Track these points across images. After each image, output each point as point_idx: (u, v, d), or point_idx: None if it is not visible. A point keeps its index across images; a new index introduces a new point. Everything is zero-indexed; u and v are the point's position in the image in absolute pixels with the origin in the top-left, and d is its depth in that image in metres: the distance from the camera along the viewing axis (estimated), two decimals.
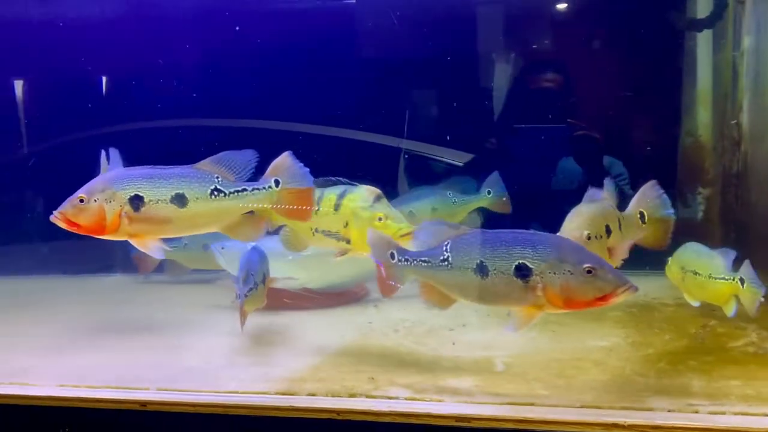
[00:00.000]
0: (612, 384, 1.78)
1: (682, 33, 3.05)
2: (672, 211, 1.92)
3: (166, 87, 3.31)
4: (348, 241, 1.95)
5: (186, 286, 3.16)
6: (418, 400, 1.69)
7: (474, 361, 2.02)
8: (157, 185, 1.72)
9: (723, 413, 1.57)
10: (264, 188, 1.81)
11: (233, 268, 2.49)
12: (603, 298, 1.48)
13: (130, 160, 1.94)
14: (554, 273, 1.50)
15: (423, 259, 1.70)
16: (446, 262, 1.65)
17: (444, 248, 1.66)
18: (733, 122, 2.91)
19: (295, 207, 1.81)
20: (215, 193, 1.76)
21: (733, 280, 1.91)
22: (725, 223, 2.99)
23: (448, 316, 2.50)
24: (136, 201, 1.71)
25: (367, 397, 1.72)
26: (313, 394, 1.74)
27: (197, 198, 1.74)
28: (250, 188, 1.80)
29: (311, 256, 2.41)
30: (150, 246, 1.76)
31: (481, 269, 1.58)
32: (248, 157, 1.82)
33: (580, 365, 1.92)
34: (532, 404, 1.65)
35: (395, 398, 1.70)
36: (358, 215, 1.90)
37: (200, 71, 3.38)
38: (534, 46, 3.38)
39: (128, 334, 2.46)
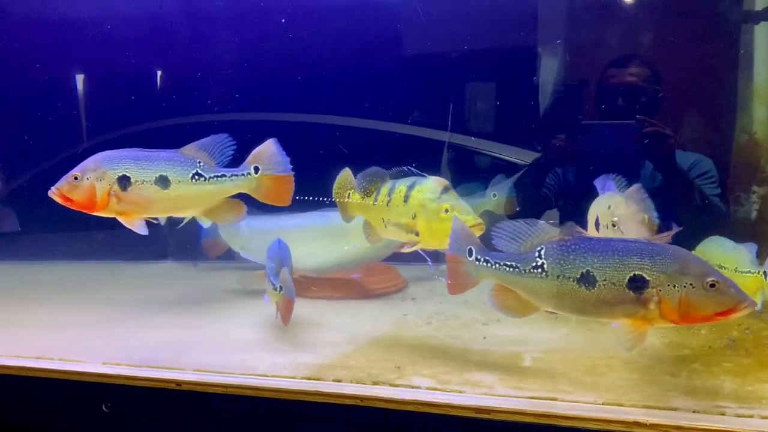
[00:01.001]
0: (640, 383, 1.75)
1: (738, 26, 2.94)
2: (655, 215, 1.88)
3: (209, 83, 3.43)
4: (417, 233, 1.96)
5: (233, 272, 3.25)
6: (440, 390, 1.71)
7: (502, 355, 2.02)
8: (143, 167, 1.80)
9: (751, 416, 1.53)
10: (243, 174, 1.87)
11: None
12: (723, 313, 1.41)
13: None
14: (674, 286, 1.42)
15: (509, 263, 1.60)
16: (540, 270, 1.55)
17: (537, 254, 1.56)
18: None
19: (273, 194, 1.87)
20: (196, 177, 1.83)
21: (759, 273, 1.86)
22: None
23: (484, 311, 2.50)
24: (124, 181, 1.79)
25: (391, 385, 1.75)
26: (339, 381, 1.78)
27: (179, 181, 1.82)
28: (229, 174, 1.86)
29: (293, 235, 2.44)
30: (136, 225, 1.85)
31: (587, 279, 1.49)
32: (228, 143, 1.89)
33: (610, 363, 1.90)
34: (553, 399, 1.64)
35: (417, 387, 1.73)
36: (425, 207, 1.89)
37: (242, 66, 3.47)
38: (588, 41, 3.33)
39: (169, 316, 2.59)
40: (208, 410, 1.80)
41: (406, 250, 1.97)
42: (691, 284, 1.40)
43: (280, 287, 2.15)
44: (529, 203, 2.97)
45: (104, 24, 3.46)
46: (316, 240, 2.65)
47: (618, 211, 1.69)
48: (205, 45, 3.51)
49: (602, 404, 1.61)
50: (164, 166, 1.81)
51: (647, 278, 1.43)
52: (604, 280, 1.46)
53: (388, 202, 1.96)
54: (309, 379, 1.80)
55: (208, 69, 3.45)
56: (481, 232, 1.80)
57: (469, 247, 1.68)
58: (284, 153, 1.90)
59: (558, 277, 1.52)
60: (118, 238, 3.10)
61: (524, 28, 3.35)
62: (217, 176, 1.86)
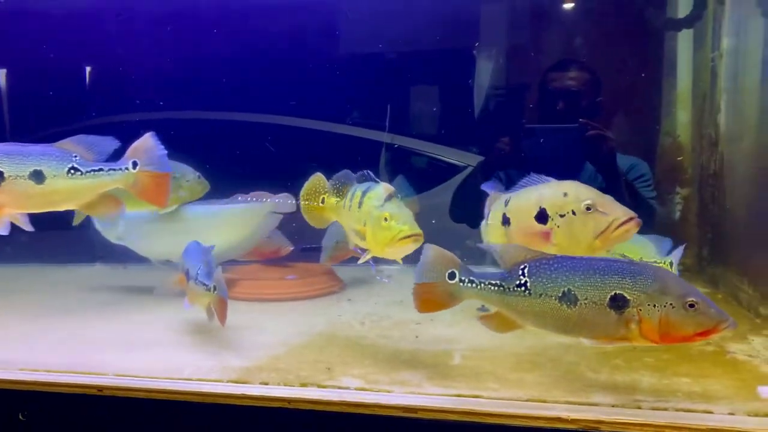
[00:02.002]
0: (563, 380, 1.79)
1: (662, 32, 3.05)
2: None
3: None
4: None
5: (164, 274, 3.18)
6: (368, 390, 1.71)
7: (432, 354, 2.04)
8: (16, 161, 1.77)
9: (665, 409, 1.58)
10: (121, 169, 1.84)
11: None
12: (702, 333, 1.42)
13: None
14: (654, 305, 1.42)
15: (493, 282, 1.59)
16: (523, 288, 1.55)
17: (520, 272, 1.55)
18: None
19: (149, 190, 1.84)
20: (72, 171, 1.80)
21: (664, 263, 1.92)
22: (702, 222, 3.00)
23: (417, 312, 2.52)
24: None
25: (319, 386, 1.74)
26: (266, 383, 1.76)
27: (54, 175, 1.79)
28: (106, 168, 1.83)
29: (144, 222, 2.40)
30: (15, 220, 1.84)
31: (568, 298, 1.49)
32: (109, 140, 1.87)
33: (535, 360, 1.93)
34: (479, 396, 1.67)
35: (346, 388, 1.73)
36: (370, 214, 1.86)
37: (186, 66, 3.41)
38: (522, 46, 3.40)
39: (88, 319, 2.52)
40: (131, 416, 1.76)
41: (363, 259, 1.95)
42: (671, 304, 1.41)
43: (214, 287, 2.09)
44: (471, 207, 3.01)
45: (24, 19, 3.34)
46: (189, 231, 2.57)
47: (583, 195, 1.58)
48: (131, 43, 3.43)
49: (526, 401, 1.64)
50: (38, 160, 1.77)
51: (628, 297, 1.43)
52: (585, 298, 1.47)
53: (350, 207, 1.95)
54: (236, 382, 1.77)
55: (134, 67, 3.37)
56: (419, 244, 1.78)
57: (450, 271, 1.65)
58: (163, 148, 1.85)
59: (540, 295, 1.52)
60: (43, 241, 2.99)
61: (463, 31, 3.40)
62: (94, 170, 1.82)
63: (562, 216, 1.57)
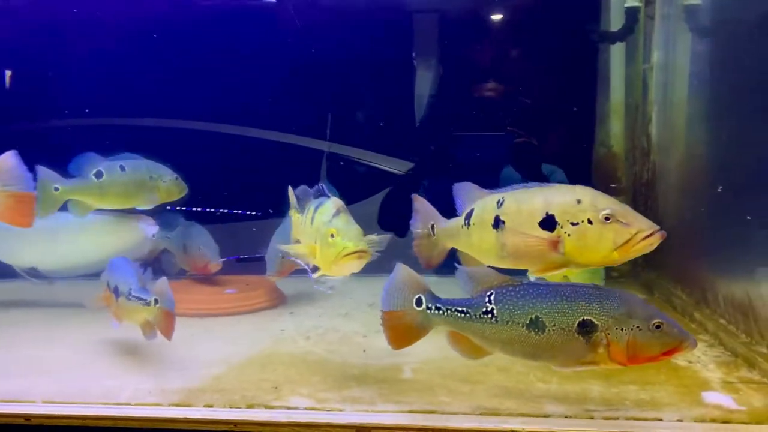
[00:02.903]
0: (514, 390, 1.78)
1: (596, 46, 3.13)
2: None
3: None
4: None
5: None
6: (319, 409, 1.65)
7: (382, 368, 1.99)
8: None
9: (616, 419, 1.59)
10: None
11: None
12: (668, 353, 1.43)
13: None
14: (621, 329, 1.42)
15: (459, 309, 1.56)
16: (490, 315, 1.52)
17: (487, 299, 1.53)
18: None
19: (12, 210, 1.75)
20: None
21: None
22: None
23: (364, 323, 2.48)
24: None
25: (266, 407, 1.67)
26: (210, 406, 1.68)
27: None
28: None
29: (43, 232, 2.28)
30: None
31: (536, 325, 1.47)
32: None
33: (485, 371, 1.92)
34: (432, 412, 1.64)
35: (295, 408, 1.66)
36: (319, 230, 1.78)
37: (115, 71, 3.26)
38: (459, 56, 3.42)
39: (10, 341, 2.35)
40: None
41: (316, 275, 1.87)
42: (638, 327, 1.41)
43: (155, 300, 1.97)
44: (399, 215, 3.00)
45: None
46: (54, 240, 2.50)
47: (601, 203, 1.46)
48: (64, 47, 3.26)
49: (480, 414, 1.62)
50: None
51: (596, 322, 1.43)
52: (554, 325, 1.45)
53: (304, 223, 1.88)
54: (178, 405, 1.68)
55: (65, 71, 3.21)
56: (364, 261, 1.73)
57: (417, 296, 1.60)
58: (26, 168, 1.76)
59: (507, 322, 1.50)
60: None
61: (400, 41, 3.39)
62: None
63: (574, 224, 1.45)
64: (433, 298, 1.59)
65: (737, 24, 2.63)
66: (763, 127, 2.50)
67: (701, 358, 2.00)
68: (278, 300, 2.79)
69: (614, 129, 3.12)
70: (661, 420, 1.58)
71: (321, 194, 1.91)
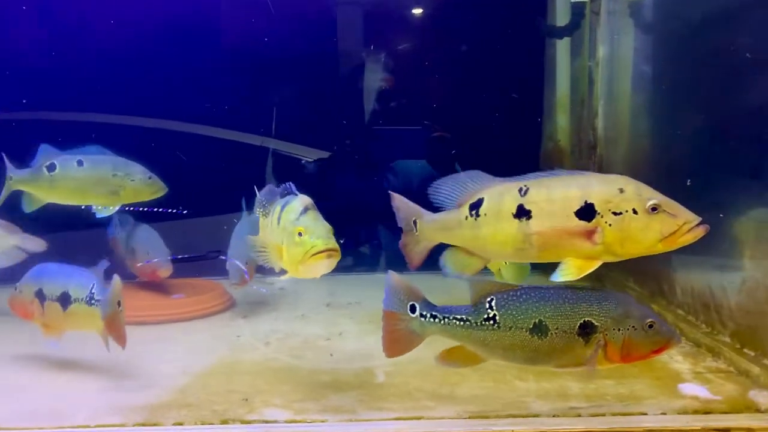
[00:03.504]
0: (495, 390, 1.75)
1: (543, 40, 3.15)
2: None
3: None
4: None
5: None
6: (300, 422, 1.56)
7: (354, 373, 1.92)
8: None
9: (603, 415, 1.59)
10: None
11: None
12: (658, 351, 1.45)
13: None
14: (618, 329, 1.43)
15: (458, 317, 1.50)
16: (492, 321, 1.47)
17: (488, 306, 1.48)
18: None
19: None
20: None
21: None
22: None
23: (324, 325, 2.40)
24: None
25: (242, 422, 1.57)
26: (181, 424, 1.55)
27: None
28: None
29: None
30: None
31: (540, 329, 1.44)
32: None
33: (461, 372, 1.87)
34: (419, 418, 1.58)
35: (273, 422, 1.57)
36: (285, 229, 1.66)
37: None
38: (397, 49, 3.38)
39: None
40: None
41: (283, 277, 1.76)
42: (633, 326, 1.43)
43: (118, 302, 1.81)
44: None
45: None
46: None
47: (645, 193, 1.41)
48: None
49: (468, 418, 1.58)
50: None
51: (596, 324, 1.43)
52: (557, 328, 1.44)
53: (271, 224, 1.75)
54: (144, 425, 1.55)
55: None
56: (335, 260, 1.61)
57: (411, 303, 1.52)
58: None
59: (510, 328, 1.46)
60: None
61: (328, 35, 3.31)
62: None
63: (617, 214, 1.39)
64: (428, 305, 1.52)
65: (678, 20, 2.70)
66: (700, 120, 2.59)
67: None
68: (228, 304, 2.65)
69: (561, 123, 3.15)
70: (646, 414, 1.59)
71: (288, 193, 1.80)
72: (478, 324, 1.48)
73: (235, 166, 3.22)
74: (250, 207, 2.47)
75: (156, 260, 2.51)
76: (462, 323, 1.50)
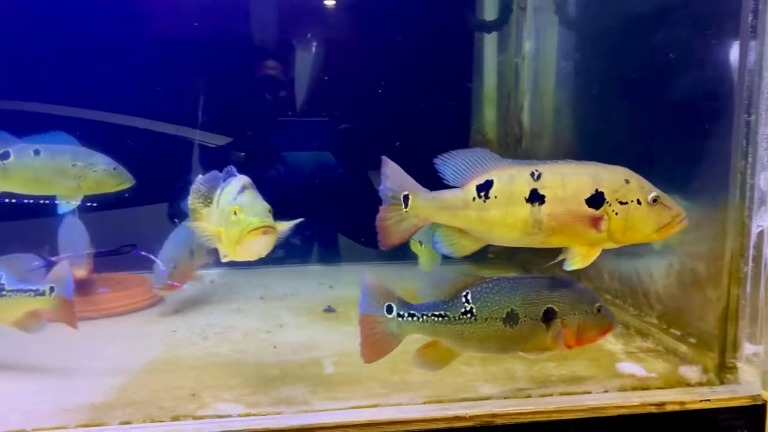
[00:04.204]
0: (445, 376, 1.77)
1: (471, 34, 3.21)
2: None
3: None
4: None
5: None
6: (255, 415, 1.53)
7: (301, 364, 1.89)
8: None
9: (551, 395, 1.65)
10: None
11: None
12: (603, 333, 1.56)
13: None
14: (574, 314, 1.52)
15: (437, 313, 1.51)
16: (469, 315, 1.51)
17: (464, 299, 1.51)
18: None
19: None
20: None
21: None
22: None
23: (261, 318, 2.35)
24: None
25: (195, 418, 1.51)
26: (128, 423, 1.48)
27: None
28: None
29: None
30: None
31: (512, 318, 1.51)
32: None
33: (407, 359, 1.85)
34: (375, 405, 1.58)
35: (228, 416, 1.52)
36: (222, 210, 1.60)
37: None
38: (323, 39, 3.35)
39: None
40: None
41: (224, 260, 1.69)
42: (585, 310, 1.53)
43: (51, 288, 1.75)
44: None
45: None
46: None
47: (646, 185, 1.47)
48: None
49: (423, 404, 1.60)
50: None
51: (556, 309, 1.52)
52: (525, 316, 1.51)
53: (213, 211, 1.68)
54: (88, 426, 1.47)
55: None
56: (272, 238, 1.55)
57: (387, 304, 1.50)
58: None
59: (486, 319, 1.51)
60: None
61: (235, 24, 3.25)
62: None
63: (623, 203, 1.44)
64: (404, 305, 1.52)
65: (601, 17, 2.83)
66: (622, 115, 2.73)
67: None
68: (157, 299, 2.53)
69: (488, 116, 3.23)
70: (590, 393, 1.66)
71: (230, 176, 1.75)
72: (456, 318, 1.51)
73: (153, 156, 3.09)
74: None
75: (71, 257, 2.31)
76: (440, 319, 1.52)
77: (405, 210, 1.52)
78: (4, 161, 1.96)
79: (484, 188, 1.49)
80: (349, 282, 2.87)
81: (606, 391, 1.67)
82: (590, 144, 2.82)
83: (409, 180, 1.54)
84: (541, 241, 1.50)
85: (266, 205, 1.58)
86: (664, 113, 2.56)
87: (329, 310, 2.43)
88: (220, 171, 1.77)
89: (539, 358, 1.82)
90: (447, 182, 1.53)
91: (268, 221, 1.54)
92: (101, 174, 2.02)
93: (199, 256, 2.41)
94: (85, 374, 1.81)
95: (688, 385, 1.71)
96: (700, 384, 1.71)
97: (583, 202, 1.45)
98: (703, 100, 2.17)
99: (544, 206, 1.46)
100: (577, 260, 1.50)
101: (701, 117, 2.19)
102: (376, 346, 1.52)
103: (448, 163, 1.54)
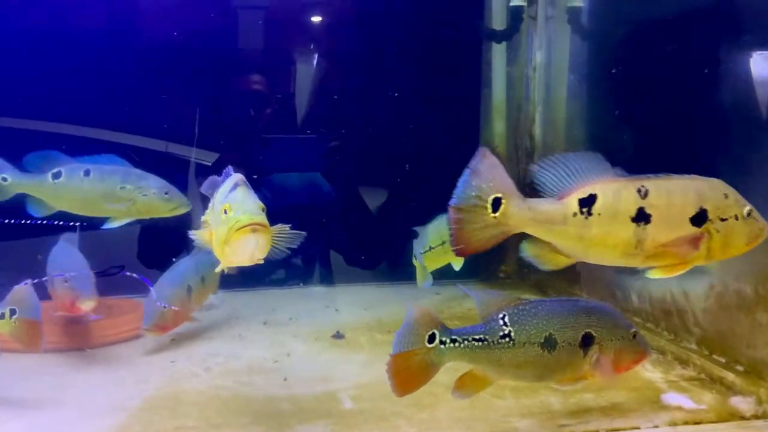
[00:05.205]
0: (475, 410, 1.62)
1: (479, 44, 3.09)
2: None
3: None
4: None
5: None
6: None
7: (315, 398, 1.73)
8: None
9: (597, 430, 1.50)
10: None
11: None
12: (637, 361, 1.48)
13: None
14: (611, 339, 1.43)
15: (476, 337, 1.39)
16: (507, 338, 1.39)
17: (501, 322, 1.40)
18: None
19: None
20: None
21: None
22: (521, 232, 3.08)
23: (266, 346, 2.19)
24: None
25: None
26: None
27: None
28: None
29: None
30: None
31: (549, 343, 1.40)
32: None
33: (432, 391, 1.70)
34: None
35: None
36: (213, 210, 1.48)
37: None
38: (331, 50, 3.22)
39: None
40: None
41: (218, 269, 1.52)
42: (622, 337, 1.45)
43: (11, 311, 1.63)
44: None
45: None
46: None
47: (740, 198, 1.35)
48: None
49: None
50: None
51: (594, 335, 1.42)
52: (563, 341, 1.41)
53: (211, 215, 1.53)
54: None
55: None
56: (264, 237, 1.37)
57: (431, 332, 1.38)
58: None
59: (524, 344, 1.40)
60: None
61: (254, 34, 3.12)
62: None
63: (723, 220, 1.33)
64: (446, 330, 1.39)
65: (615, 26, 2.72)
66: (637, 125, 2.62)
67: None
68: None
69: (497, 129, 3.10)
70: (639, 429, 1.52)
71: (227, 176, 1.58)
72: (495, 342, 1.39)
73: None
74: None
75: (73, 286, 2.04)
76: (480, 344, 1.39)
77: (492, 215, 1.32)
78: (56, 180, 1.95)
79: (587, 204, 1.33)
80: (354, 304, 2.72)
81: (656, 426, 1.52)
82: (608, 156, 2.70)
83: (507, 181, 1.34)
84: (639, 262, 1.36)
85: (259, 203, 1.42)
86: (687, 123, 2.45)
87: (338, 336, 2.27)
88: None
89: (573, 389, 1.67)
90: (540, 190, 1.37)
91: (258, 218, 1.38)
92: (152, 198, 1.98)
93: (198, 293, 2.23)
94: (81, 413, 1.62)
95: (743, 418, 1.57)
96: (756, 417, 1.57)
97: (688, 221, 1.32)
98: (735, 111, 2.07)
99: (649, 227, 1.31)
100: (658, 272, 1.36)
101: (730, 128, 2.09)
102: (413, 378, 1.38)
103: (549, 170, 1.36)
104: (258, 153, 3.05)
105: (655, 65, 2.52)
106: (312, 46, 3.14)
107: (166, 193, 1.98)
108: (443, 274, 2.41)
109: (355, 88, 3.13)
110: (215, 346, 2.17)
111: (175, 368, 1.97)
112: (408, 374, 1.37)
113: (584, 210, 1.32)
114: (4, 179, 1.96)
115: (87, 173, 1.96)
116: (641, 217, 1.32)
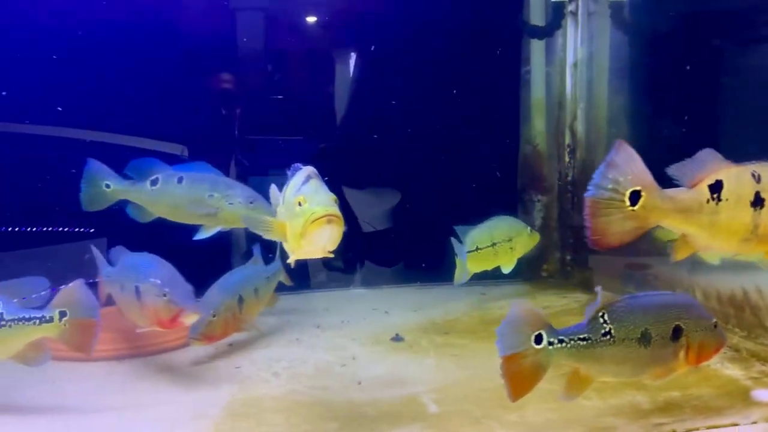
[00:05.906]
0: (566, 411, 1.59)
1: (518, 41, 3.07)
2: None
3: None
4: None
5: None
6: None
7: (399, 402, 1.69)
8: None
9: (698, 429, 1.47)
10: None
11: None
12: (716, 351, 1.47)
13: None
14: (697, 330, 1.44)
15: (581, 336, 1.38)
16: (608, 336, 1.38)
17: (602, 319, 1.39)
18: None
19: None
20: None
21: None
22: (563, 229, 3.07)
23: (327, 349, 2.15)
24: None
25: None
26: None
27: None
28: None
29: None
30: None
31: (645, 338, 1.40)
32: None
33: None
34: None
35: None
36: (286, 203, 1.45)
37: None
38: (370, 48, 3.18)
39: None
40: None
41: (291, 260, 1.50)
42: (705, 327, 1.45)
43: (61, 313, 1.56)
44: None
45: None
46: None
47: None
48: None
49: None
50: None
51: (683, 327, 1.42)
52: (657, 335, 1.41)
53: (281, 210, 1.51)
54: None
55: None
56: (338, 228, 1.37)
57: (537, 333, 1.36)
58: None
59: (623, 340, 1.40)
60: None
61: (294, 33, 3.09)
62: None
63: None
64: (553, 330, 1.37)
65: (659, 21, 2.71)
66: (681, 121, 2.59)
67: None
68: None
69: (537, 126, 3.08)
70: (738, 425, 1.49)
71: (296, 171, 1.55)
72: (598, 341, 1.39)
73: None
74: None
75: (175, 299, 1.76)
76: (585, 343, 1.38)
77: (630, 208, 1.28)
78: (153, 187, 1.98)
79: (716, 189, 1.31)
80: (401, 306, 2.69)
81: (754, 423, 1.50)
82: (651, 153, 2.67)
83: (647, 174, 1.30)
84: (750, 248, 1.35)
85: (331, 195, 1.42)
86: (733, 118, 2.44)
87: (398, 338, 2.24)
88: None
89: (661, 382, 1.64)
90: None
91: (332, 210, 1.38)
92: (237, 207, 1.97)
93: (251, 304, 2.10)
94: (161, 422, 1.58)
95: None
96: None
97: None
98: None
99: (763, 211, 1.30)
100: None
101: None
102: (525, 382, 1.35)
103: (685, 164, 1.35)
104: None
105: (699, 60, 2.50)
106: (352, 47, 3.10)
107: (251, 203, 1.97)
108: (488, 275, 2.39)
109: (395, 87, 3.08)
110: (276, 351, 2.13)
111: (243, 374, 1.93)
112: (521, 377, 1.34)
113: (714, 196, 1.31)
114: (107, 186, 1.99)
115: (180, 180, 1.98)
116: (758, 201, 1.31)
